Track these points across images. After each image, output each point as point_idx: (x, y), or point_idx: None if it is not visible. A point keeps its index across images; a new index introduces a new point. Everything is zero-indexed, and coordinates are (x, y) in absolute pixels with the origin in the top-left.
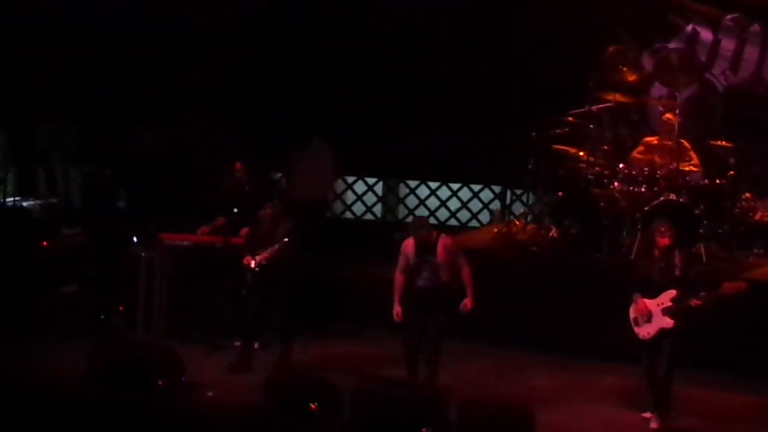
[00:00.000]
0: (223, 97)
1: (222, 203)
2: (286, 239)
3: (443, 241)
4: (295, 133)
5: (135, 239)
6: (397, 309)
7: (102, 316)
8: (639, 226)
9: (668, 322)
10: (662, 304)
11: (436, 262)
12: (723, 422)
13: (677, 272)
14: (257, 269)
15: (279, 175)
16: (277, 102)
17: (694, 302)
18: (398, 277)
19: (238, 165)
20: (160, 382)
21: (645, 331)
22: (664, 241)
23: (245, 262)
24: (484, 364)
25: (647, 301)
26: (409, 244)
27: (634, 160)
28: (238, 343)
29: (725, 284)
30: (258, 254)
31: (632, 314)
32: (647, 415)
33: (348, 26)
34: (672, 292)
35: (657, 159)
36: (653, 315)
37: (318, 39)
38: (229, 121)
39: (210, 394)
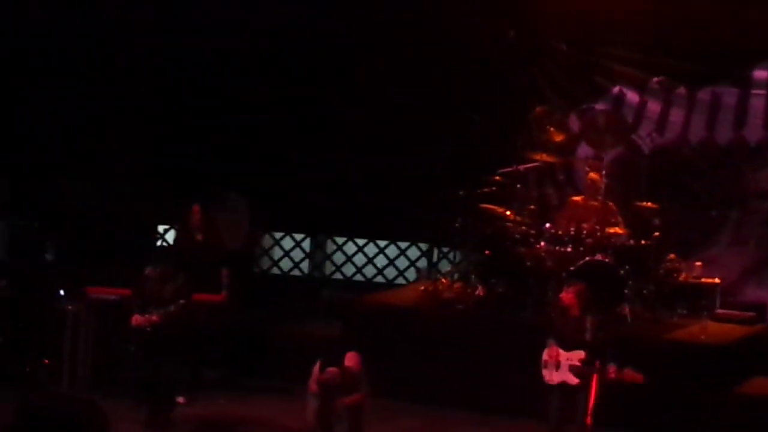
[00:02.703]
0: (148, 151)
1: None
2: (182, 301)
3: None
4: (220, 188)
5: (62, 292)
6: None
7: (27, 369)
8: (565, 286)
9: (573, 380)
10: (571, 360)
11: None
12: None
13: (587, 336)
14: (149, 329)
15: None
16: (206, 157)
17: (611, 374)
18: None
19: (196, 207)
20: None
21: (550, 377)
22: (568, 297)
23: (134, 322)
24: (411, 422)
25: (560, 350)
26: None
27: (561, 220)
28: (161, 399)
29: (627, 370)
30: (149, 313)
31: (544, 356)
32: None
33: (273, 81)
34: (581, 354)
35: (583, 219)
36: (561, 366)
37: (247, 95)
38: (154, 173)
39: None
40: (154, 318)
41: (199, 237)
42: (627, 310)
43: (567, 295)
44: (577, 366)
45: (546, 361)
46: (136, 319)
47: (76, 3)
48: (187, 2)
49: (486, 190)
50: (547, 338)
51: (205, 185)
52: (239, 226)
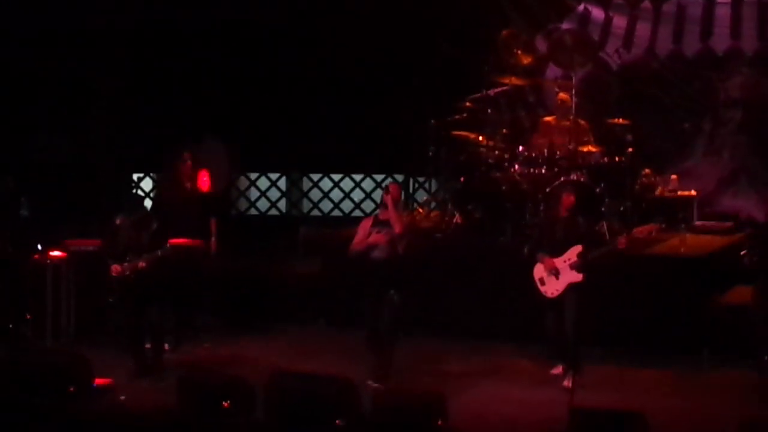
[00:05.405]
0: (118, 98)
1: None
2: (168, 245)
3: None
4: (193, 131)
5: (39, 246)
6: None
7: (10, 325)
8: (542, 208)
9: (576, 277)
10: (569, 260)
11: (393, 233)
12: (635, 394)
13: (581, 230)
14: (132, 276)
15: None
16: (176, 100)
17: (621, 243)
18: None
19: (187, 155)
20: (71, 389)
21: (553, 289)
22: (569, 200)
23: (114, 272)
24: (397, 354)
25: (554, 259)
26: (367, 220)
27: (534, 142)
28: (148, 346)
29: (636, 229)
30: (128, 261)
31: (537, 275)
32: (557, 370)
33: (239, 21)
34: (578, 248)
35: (555, 139)
36: (560, 271)
37: (214, 37)
38: (125, 122)
39: (122, 398)
40: (141, 264)
41: (188, 185)
42: (605, 227)
43: (568, 198)
44: (576, 261)
45: (542, 278)
46: (116, 268)
47: None
48: None
49: (457, 117)
50: (534, 256)
51: (184, 130)
52: (220, 169)
